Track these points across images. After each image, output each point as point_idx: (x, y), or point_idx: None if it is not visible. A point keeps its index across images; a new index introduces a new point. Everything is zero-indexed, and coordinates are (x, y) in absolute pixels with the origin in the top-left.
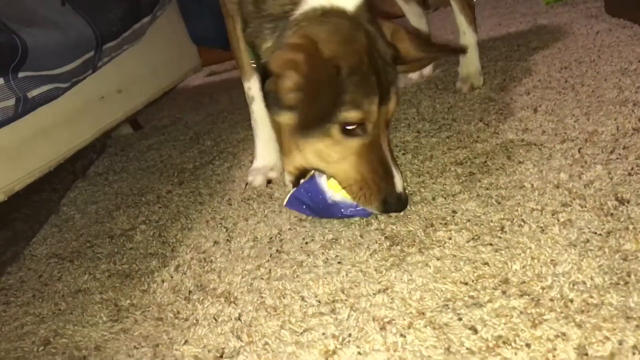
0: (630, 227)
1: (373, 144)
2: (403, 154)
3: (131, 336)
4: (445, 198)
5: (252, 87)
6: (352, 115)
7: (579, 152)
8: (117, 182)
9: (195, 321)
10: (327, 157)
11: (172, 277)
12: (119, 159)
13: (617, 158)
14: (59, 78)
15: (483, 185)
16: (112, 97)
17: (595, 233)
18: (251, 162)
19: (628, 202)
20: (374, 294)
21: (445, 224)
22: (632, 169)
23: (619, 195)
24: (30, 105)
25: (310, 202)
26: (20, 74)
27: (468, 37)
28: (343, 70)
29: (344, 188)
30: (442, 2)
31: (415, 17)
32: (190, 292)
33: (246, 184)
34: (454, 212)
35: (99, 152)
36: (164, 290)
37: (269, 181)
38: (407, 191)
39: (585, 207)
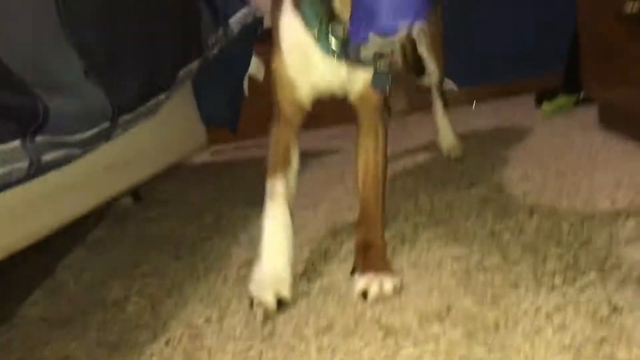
0: (624, 335)
1: None
2: (401, 245)
3: None
4: (440, 292)
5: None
6: None
7: (573, 257)
8: (114, 251)
9: None
10: None
11: (161, 352)
12: (117, 228)
13: (611, 267)
14: (75, 145)
15: (478, 283)
16: (119, 168)
17: (589, 339)
18: (250, 241)
19: (621, 311)
20: None
21: (440, 318)
22: (624, 278)
23: (612, 303)
24: (42, 169)
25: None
26: (38, 138)
27: (442, 118)
28: None
29: None
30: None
31: None
32: None
33: (251, 301)
34: (449, 307)
35: (97, 220)
36: None
37: (280, 302)
38: None
39: (579, 312)
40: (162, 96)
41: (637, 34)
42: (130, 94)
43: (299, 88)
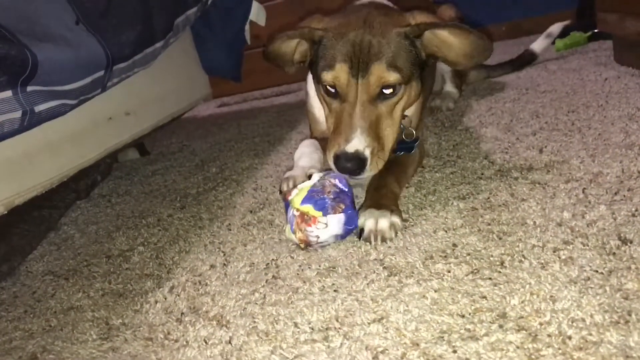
0: (633, 266)
1: (347, 108)
2: (406, 187)
3: (120, 355)
4: (446, 231)
5: None
6: (324, 76)
7: (583, 192)
8: (120, 204)
9: (185, 343)
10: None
11: (165, 299)
12: (124, 182)
13: (622, 199)
14: (68, 94)
15: (485, 221)
16: (120, 119)
17: (597, 271)
18: (254, 189)
19: (631, 242)
20: (368, 323)
21: (445, 256)
22: (636, 210)
23: (622, 235)
24: (36, 120)
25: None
26: (29, 88)
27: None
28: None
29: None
30: None
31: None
32: (182, 313)
33: (280, 191)
34: (454, 245)
35: (104, 175)
36: (156, 311)
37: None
38: (364, 157)
39: (588, 245)
40: (158, 44)
41: None
42: (125, 42)
43: None
